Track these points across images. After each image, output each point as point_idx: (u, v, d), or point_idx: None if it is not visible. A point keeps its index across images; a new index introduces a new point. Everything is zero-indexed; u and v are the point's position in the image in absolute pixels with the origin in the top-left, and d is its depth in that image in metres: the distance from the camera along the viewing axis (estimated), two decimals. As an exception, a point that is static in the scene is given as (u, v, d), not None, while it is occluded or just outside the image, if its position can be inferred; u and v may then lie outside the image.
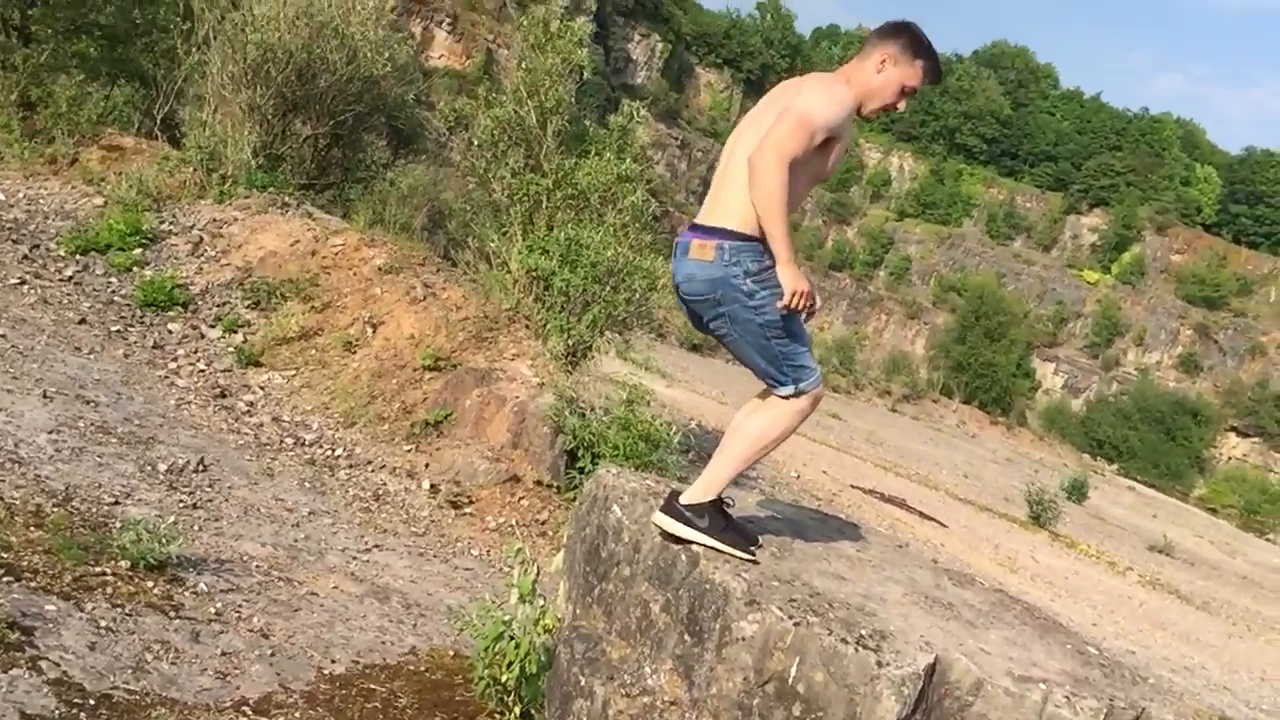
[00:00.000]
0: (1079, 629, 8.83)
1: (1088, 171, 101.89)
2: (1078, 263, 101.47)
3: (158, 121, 13.45)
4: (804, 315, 3.36)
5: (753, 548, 3.39)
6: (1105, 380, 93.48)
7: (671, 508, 3.39)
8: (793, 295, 3.22)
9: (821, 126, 3.23)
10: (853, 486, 18.56)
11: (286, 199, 11.47)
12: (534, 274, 10.33)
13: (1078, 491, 35.67)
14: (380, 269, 9.99)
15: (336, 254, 10.29)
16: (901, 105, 3.47)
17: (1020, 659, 3.21)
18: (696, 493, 3.40)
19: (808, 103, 3.24)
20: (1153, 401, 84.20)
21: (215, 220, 10.91)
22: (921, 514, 18.45)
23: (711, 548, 3.33)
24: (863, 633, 3.01)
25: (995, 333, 76.53)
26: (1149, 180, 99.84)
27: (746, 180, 3.28)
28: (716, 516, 3.37)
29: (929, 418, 56.67)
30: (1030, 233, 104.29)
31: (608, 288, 10.63)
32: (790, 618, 2.98)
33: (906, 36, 3.42)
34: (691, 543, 3.34)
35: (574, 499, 7.53)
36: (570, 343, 10.31)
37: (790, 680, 2.94)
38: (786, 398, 3.40)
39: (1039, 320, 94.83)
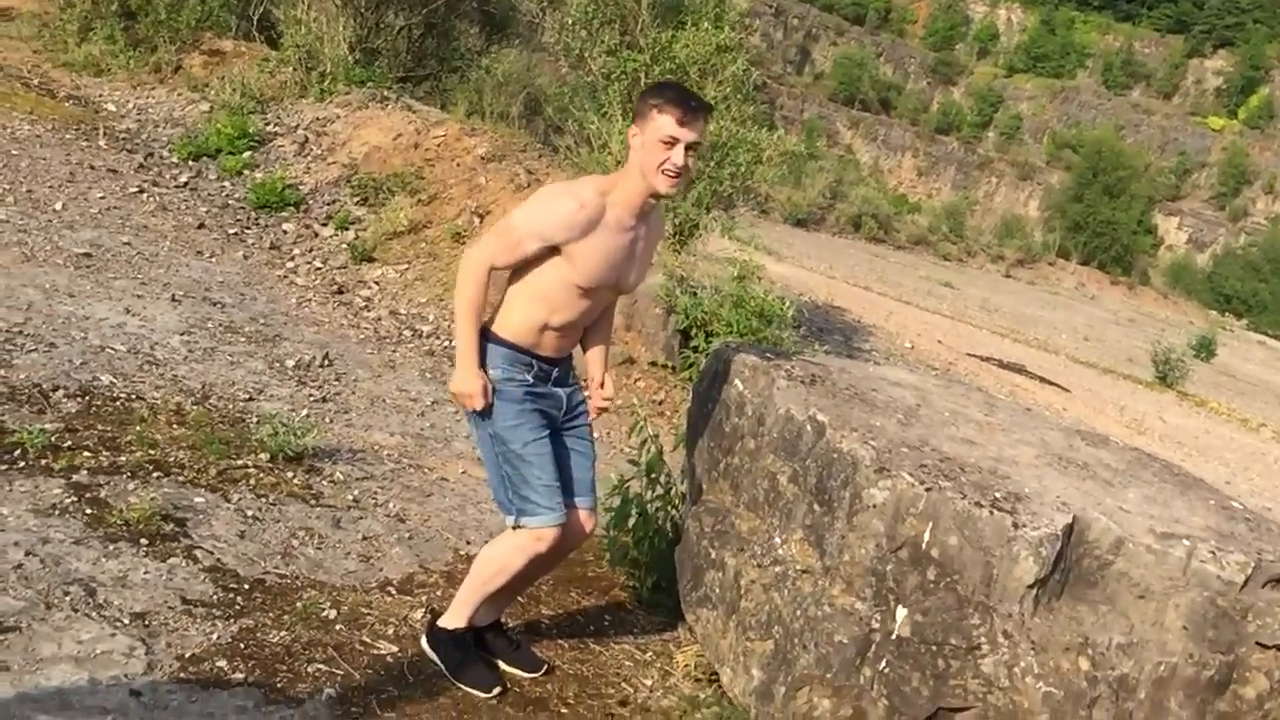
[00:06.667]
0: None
1: (1211, 10, 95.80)
2: (1201, 109, 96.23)
3: (254, 23, 13.53)
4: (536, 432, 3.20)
5: (495, 688, 3.29)
6: (1233, 232, 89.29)
7: (430, 626, 3.40)
8: (454, 397, 3.17)
9: (527, 234, 3.06)
10: (969, 354, 18.25)
11: (385, 93, 11.49)
12: (636, 154, 10.19)
13: (1205, 349, 34.42)
14: (483, 158, 9.98)
15: (439, 146, 10.31)
16: (678, 159, 2.99)
17: (1161, 516, 3.13)
18: (447, 619, 3.35)
19: (516, 211, 3.13)
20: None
21: (318, 119, 11.02)
22: (1042, 379, 18.08)
23: (448, 678, 3.32)
24: (997, 495, 2.95)
25: (1114, 189, 73.39)
26: (1278, 15, 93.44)
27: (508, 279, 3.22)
28: (453, 651, 3.32)
29: (1045, 281, 55.13)
30: (1150, 80, 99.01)
31: (712, 163, 10.45)
32: (922, 483, 2.93)
33: (638, 104, 3.12)
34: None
35: (689, 379, 7.55)
36: (677, 221, 10.22)
37: (924, 545, 2.91)
38: (512, 528, 3.24)
39: (1161, 173, 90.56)
